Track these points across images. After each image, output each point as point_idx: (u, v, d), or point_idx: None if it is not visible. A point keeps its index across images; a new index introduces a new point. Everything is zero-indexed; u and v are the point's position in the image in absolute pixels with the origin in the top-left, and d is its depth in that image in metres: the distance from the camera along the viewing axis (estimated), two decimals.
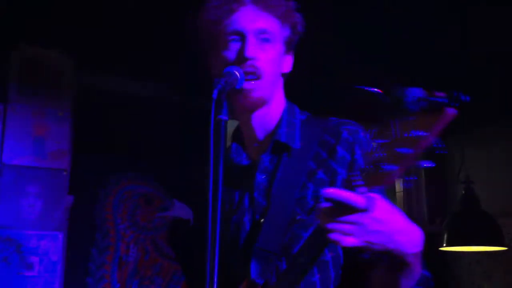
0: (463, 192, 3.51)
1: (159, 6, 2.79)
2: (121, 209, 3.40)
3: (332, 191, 1.06)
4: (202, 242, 1.16)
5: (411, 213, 4.62)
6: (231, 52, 1.44)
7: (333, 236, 1.07)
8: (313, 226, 1.34)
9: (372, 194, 1.06)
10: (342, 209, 1.06)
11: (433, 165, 0.98)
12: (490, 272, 4.15)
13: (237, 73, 1.35)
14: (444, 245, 3.50)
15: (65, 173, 3.11)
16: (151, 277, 3.39)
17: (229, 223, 1.51)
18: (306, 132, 1.49)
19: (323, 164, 1.42)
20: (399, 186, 4.75)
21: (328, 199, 1.07)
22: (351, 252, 1.33)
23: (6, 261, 2.90)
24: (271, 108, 1.51)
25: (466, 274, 4.31)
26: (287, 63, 1.54)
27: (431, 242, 3.99)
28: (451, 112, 0.92)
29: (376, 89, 1.09)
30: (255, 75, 1.41)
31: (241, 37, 1.44)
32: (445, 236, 3.49)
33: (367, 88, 1.11)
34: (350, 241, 1.07)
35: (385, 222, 1.09)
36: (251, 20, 1.44)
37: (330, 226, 1.08)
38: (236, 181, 1.52)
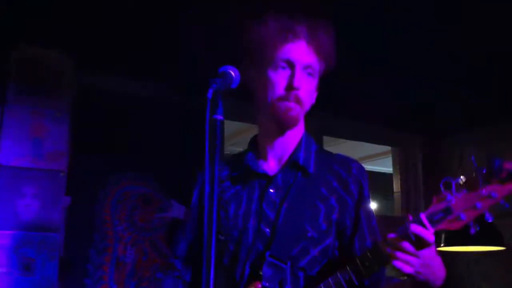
0: None
1: (159, 6, 2.78)
2: (119, 210, 3.39)
3: (419, 229, 1.33)
4: (201, 244, 1.18)
5: (409, 213, 4.61)
6: (279, 76, 1.60)
7: (397, 263, 1.34)
8: (321, 245, 1.57)
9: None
10: (408, 241, 1.33)
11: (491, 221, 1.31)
12: (489, 272, 4.15)
13: (232, 73, 1.37)
14: (442, 245, 3.50)
15: (62, 174, 3.10)
16: (149, 278, 3.38)
17: (234, 226, 1.62)
18: (319, 160, 1.68)
19: (335, 192, 1.62)
20: (397, 186, 4.76)
21: (410, 234, 1.33)
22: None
23: (3, 262, 2.89)
24: (295, 131, 1.69)
25: (465, 274, 4.30)
26: (316, 94, 1.72)
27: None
28: None
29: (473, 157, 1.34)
30: (298, 104, 1.60)
31: (291, 66, 1.61)
32: (443, 236, 3.49)
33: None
34: (410, 270, 1.35)
35: (434, 259, 1.41)
36: (301, 54, 1.61)
37: (399, 255, 1.34)
38: (248, 189, 1.67)
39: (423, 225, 1.34)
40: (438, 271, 1.46)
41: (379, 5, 2.81)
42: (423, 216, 1.37)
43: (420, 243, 1.33)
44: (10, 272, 2.89)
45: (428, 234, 1.32)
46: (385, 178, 5.88)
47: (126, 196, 3.43)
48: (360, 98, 3.89)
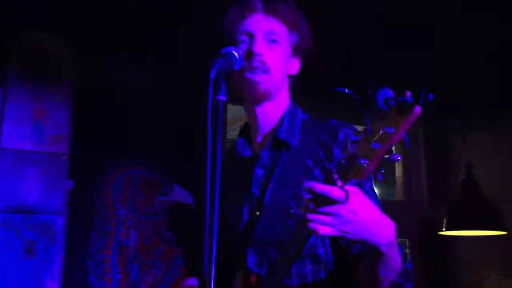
0: (464, 176, 3.51)
1: None
2: (121, 194, 3.39)
3: (312, 184, 1.15)
4: (202, 227, 1.17)
5: (411, 197, 4.62)
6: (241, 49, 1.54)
7: (312, 225, 1.17)
8: None
9: (348, 187, 1.15)
10: (321, 201, 1.15)
11: (399, 158, 1.11)
12: (490, 256, 4.16)
13: (235, 53, 1.39)
14: (444, 229, 3.51)
15: (64, 157, 3.10)
16: (151, 262, 3.39)
17: (230, 214, 1.61)
18: (306, 131, 1.61)
19: (320, 163, 1.53)
20: (399, 170, 4.75)
21: (308, 191, 1.16)
22: (340, 247, 1.44)
23: (5, 245, 2.90)
24: (275, 104, 1.63)
25: (465, 259, 4.32)
26: (294, 66, 1.67)
27: (431, 226, 4.03)
28: (417, 111, 1.03)
29: (348, 89, 1.20)
30: (262, 70, 1.54)
31: (250, 37, 1.58)
32: (445, 221, 3.50)
33: (339, 89, 1.21)
34: (326, 230, 1.17)
35: (360, 213, 1.18)
36: (259, 23, 1.60)
37: (309, 216, 1.17)
38: (240, 174, 1.64)
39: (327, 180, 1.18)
40: (379, 230, 1.22)
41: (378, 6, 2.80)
42: (316, 171, 1.34)
43: (327, 200, 1.15)
44: (12, 255, 2.91)
45: (328, 189, 1.14)
46: (386, 163, 5.87)
47: (128, 180, 3.43)
48: (359, 82, 3.87)
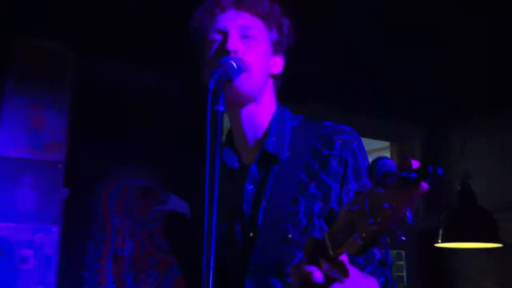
0: (459, 187, 3.50)
1: None
2: (117, 203, 3.38)
3: (311, 269, 1.03)
4: (198, 237, 1.15)
5: None
6: (214, 47, 1.46)
7: None
8: None
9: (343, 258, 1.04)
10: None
11: (403, 239, 0.91)
12: (487, 268, 4.15)
13: (233, 63, 1.34)
14: (440, 241, 3.50)
15: (60, 166, 3.09)
16: (147, 271, 3.38)
17: (220, 229, 1.46)
18: (297, 140, 1.47)
19: (315, 177, 1.40)
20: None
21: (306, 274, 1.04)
22: None
23: (0, 254, 2.88)
24: (260, 108, 1.50)
25: (462, 271, 4.30)
26: (276, 64, 1.54)
27: (427, 238, 4.01)
28: (423, 189, 0.85)
29: None
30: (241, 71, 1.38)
31: (224, 35, 1.45)
32: (441, 232, 3.49)
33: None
34: None
35: None
36: (231, 19, 1.47)
37: None
38: (228, 187, 1.45)
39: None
40: None
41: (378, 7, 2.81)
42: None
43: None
44: (6, 264, 2.89)
45: (310, 276, 1.02)
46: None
47: (124, 189, 3.42)
48: (357, 93, 3.89)
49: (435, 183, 0.84)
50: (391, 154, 4.95)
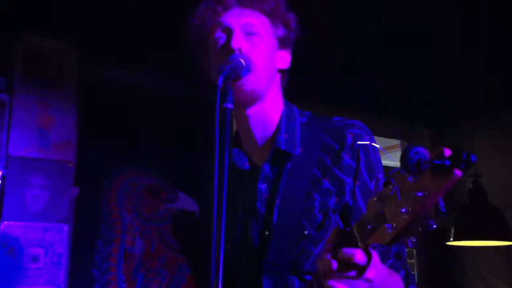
0: (471, 185, 3.48)
1: None
2: (126, 201, 3.39)
3: (342, 252, 1.05)
4: (208, 235, 1.14)
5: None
6: (219, 47, 1.43)
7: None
8: (322, 241, 1.34)
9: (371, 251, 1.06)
10: (342, 264, 1.06)
11: (434, 226, 0.92)
12: (497, 266, 4.12)
13: (242, 60, 1.33)
14: (451, 239, 3.48)
15: (70, 165, 3.10)
16: (157, 269, 3.38)
17: (234, 230, 1.47)
18: (307, 135, 1.45)
19: (328, 172, 1.39)
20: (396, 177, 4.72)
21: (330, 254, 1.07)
22: None
23: (11, 253, 2.90)
24: (267, 106, 1.47)
25: (472, 269, 4.28)
26: (283, 59, 1.51)
27: (438, 236, 3.99)
28: (456, 175, 0.85)
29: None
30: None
31: (227, 33, 1.43)
32: (452, 231, 3.47)
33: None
34: None
35: (375, 283, 1.09)
36: (235, 17, 1.44)
37: (330, 282, 1.07)
38: (240, 188, 1.48)
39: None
40: None
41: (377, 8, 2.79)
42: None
43: (347, 264, 1.06)
44: (17, 262, 2.90)
45: (350, 253, 1.04)
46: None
47: (133, 187, 3.43)
48: (367, 92, 3.88)
49: (468, 170, 0.84)
50: (401, 152, 4.92)
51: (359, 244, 1.03)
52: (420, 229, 0.92)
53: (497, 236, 3.41)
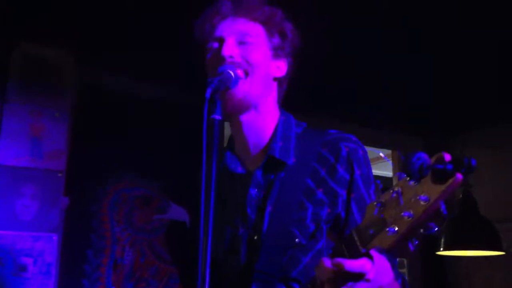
0: (461, 195, 3.49)
1: (161, 4, 2.77)
2: (117, 211, 3.38)
3: (340, 261, 1.06)
4: (197, 245, 1.14)
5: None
6: (211, 55, 1.47)
7: None
8: (312, 251, 1.36)
9: (372, 252, 1.06)
10: (345, 274, 1.07)
11: (436, 229, 0.95)
12: (489, 276, 4.13)
13: (231, 72, 1.35)
14: (442, 249, 3.48)
15: (60, 174, 3.09)
16: (147, 280, 3.37)
17: (223, 233, 1.48)
18: (303, 146, 1.47)
19: (323, 183, 1.41)
20: (396, 182, 4.74)
21: (336, 267, 1.07)
22: None
23: (0, 262, 2.88)
24: (261, 115, 1.49)
25: (464, 279, 4.28)
26: (278, 68, 1.52)
27: (429, 246, 3.99)
28: (458, 179, 0.88)
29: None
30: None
31: (220, 42, 1.46)
32: (442, 240, 3.48)
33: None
34: None
35: (376, 282, 1.09)
36: (228, 26, 1.48)
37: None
38: (231, 192, 1.50)
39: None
40: None
41: (377, 7, 2.80)
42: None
43: (350, 274, 1.07)
44: (6, 272, 2.88)
45: (355, 265, 1.05)
46: (386, 182, 5.86)
47: (124, 197, 3.42)
48: (359, 102, 3.89)
49: (469, 174, 0.88)
50: (393, 162, 4.94)
51: (361, 250, 1.05)
52: (422, 231, 0.95)
53: (487, 246, 3.43)
